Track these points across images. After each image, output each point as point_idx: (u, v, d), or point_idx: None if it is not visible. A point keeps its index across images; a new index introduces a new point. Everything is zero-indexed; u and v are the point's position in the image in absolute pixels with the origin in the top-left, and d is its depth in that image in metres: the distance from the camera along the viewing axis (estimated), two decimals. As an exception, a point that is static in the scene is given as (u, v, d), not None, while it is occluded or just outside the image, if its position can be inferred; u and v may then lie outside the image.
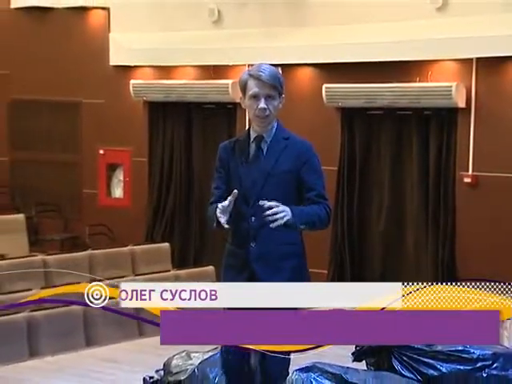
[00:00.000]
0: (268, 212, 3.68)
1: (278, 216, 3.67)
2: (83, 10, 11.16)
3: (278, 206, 3.69)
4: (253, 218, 3.94)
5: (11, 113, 11.79)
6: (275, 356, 3.77)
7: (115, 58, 10.93)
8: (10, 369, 6.21)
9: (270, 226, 3.71)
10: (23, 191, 11.55)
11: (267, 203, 3.71)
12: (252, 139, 4.05)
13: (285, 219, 3.68)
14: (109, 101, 10.99)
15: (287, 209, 3.72)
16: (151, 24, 10.56)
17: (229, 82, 10.02)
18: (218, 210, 3.79)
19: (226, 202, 3.79)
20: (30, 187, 11.59)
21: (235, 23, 10.04)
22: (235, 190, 3.83)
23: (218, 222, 3.81)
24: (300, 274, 4.04)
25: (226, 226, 3.78)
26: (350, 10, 9.15)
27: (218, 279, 8.71)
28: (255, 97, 3.93)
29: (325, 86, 9.28)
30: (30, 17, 11.51)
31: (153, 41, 10.48)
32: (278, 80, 4.00)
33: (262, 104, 3.91)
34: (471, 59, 8.54)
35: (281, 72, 9.40)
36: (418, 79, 8.85)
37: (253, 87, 3.93)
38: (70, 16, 11.23)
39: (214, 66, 10.21)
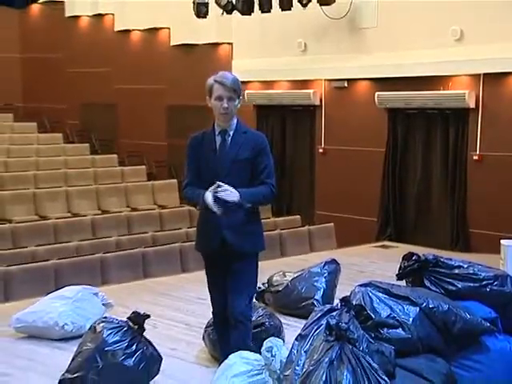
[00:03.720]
0: (222, 193, 3.28)
1: (230, 198, 3.27)
2: (216, 44, 11.21)
3: (229, 190, 3.29)
4: None
5: (168, 113, 11.97)
6: (236, 297, 3.44)
7: (235, 76, 11.00)
8: (170, 279, 6.38)
9: (227, 202, 3.25)
10: (176, 165, 11.70)
11: (224, 186, 3.29)
12: (217, 132, 3.53)
13: (234, 199, 3.28)
14: (231, 105, 11.06)
15: (237, 193, 3.30)
16: (259, 53, 10.53)
17: (310, 91, 9.93)
18: (209, 200, 3.29)
19: (211, 190, 3.31)
20: (180, 162, 11.76)
21: (315, 51, 9.91)
22: (217, 183, 3.32)
23: (205, 207, 3.33)
24: (258, 237, 3.55)
25: (219, 213, 3.30)
26: (394, 41, 8.96)
27: (303, 224, 8.83)
28: (219, 98, 3.46)
29: (377, 93, 9.14)
30: (182, 50, 11.62)
31: (260, 64, 10.50)
32: (238, 85, 3.48)
33: (225, 104, 3.44)
34: (479, 74, 8.31)
35: (346, 85, 9.60)
36: (441, 88, 8.64)
37: (217, 90, 3.45)
38: (207, 49, 11.30)
39: (301, 81, 10.16)
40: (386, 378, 2.52)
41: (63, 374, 3.70)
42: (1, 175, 9.45)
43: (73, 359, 3.75)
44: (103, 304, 4.82)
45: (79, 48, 13.15)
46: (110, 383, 3.63)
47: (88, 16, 13.10)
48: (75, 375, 3.64)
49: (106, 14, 12.76)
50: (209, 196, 3.31)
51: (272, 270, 5.60)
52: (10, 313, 4.78)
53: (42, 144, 11.68)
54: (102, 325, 3.79)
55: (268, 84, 10.60)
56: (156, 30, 12.05)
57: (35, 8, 13.64)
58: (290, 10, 9.28)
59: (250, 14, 9.63)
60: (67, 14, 13.24)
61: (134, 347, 3.68)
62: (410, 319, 3.03)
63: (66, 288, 4.91)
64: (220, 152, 3.48)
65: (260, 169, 3.46)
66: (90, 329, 3.91)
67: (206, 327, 4.31)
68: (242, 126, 3.56)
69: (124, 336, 3.70)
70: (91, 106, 13.02)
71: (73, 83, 13.22)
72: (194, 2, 9.83)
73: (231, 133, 3.50)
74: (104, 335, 3.70)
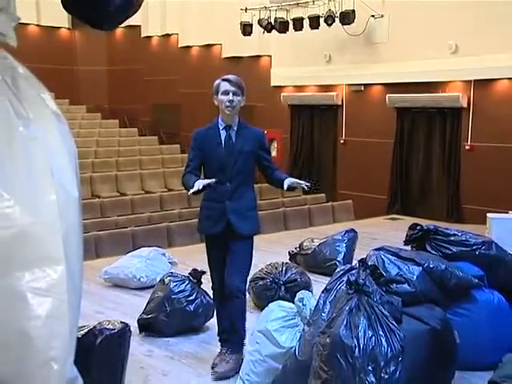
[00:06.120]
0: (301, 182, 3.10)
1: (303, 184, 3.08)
2: (258, 57, 11.09)
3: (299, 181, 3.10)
4: (228, 183, 3.11)
5: (211, 112, 11.94)
6: (234, 272, 3.10)
7: (274, 82, 10.85)
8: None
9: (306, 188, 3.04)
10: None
11: (298, 182, 3.10)
12: (222, 128, 3.17)
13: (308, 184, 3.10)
14: (268, 105, 10.86)
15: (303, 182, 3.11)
16: (292, 63, 10.39)
17: (334, 94, 9.79)
18: (197, 182, 2.94)
19: (206, 181, 2.95)
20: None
21: (338, 61, 9.76)
22: (214, 180, 2.97)
23: (194, 191, 2.92)
24: (256, 221, 3.21)
25: (191, 192, 2.94)
26: (402, 53, 8.75)
27: (327, 200, 8.77)
28: (225, 92, 3.14)
29: (387, 95, 8.98)
30: (231, 61, 11.50)
31: (293, 72, 10.40)
32: (241, 83, 3.19)
33: (231, 97, 3.12)
34: (471, 80, 8.12)
35: (363, 88, 9.46)
36: (440, 91, 8.45)
37: (224, 86, 3.15)
38: (251, 60, 11.19)
39: (326, 85, 10.01)
40: (394, 323, 2.49)
41: (140, 315, 3.78)
42: (92, 161, 9.63)
43: (147, 304, 3.83)
44: (169, 262, 4.88)
45: (152, 61, 13.25)
46: (176, 323, 3.69)
47: (158, 36, 13.22)
48: (149, 316, 3.72)
49: (172, 33, 12.82)
50: (200, 183, 2.95)
51: (303, 237, 5.60)
52: (99, 267, 4.89)
53: (122, 137, 11.84)
54: (169, 278, 3.85)
55: (300, 88, 10.49)
56: (211, 45, 12.01)
57: (118, 31, 13.81)
58: (317, 28, 9.28)
59: (286, 32, 9.69)
60: (142, 35, 13.38)
61: (193, 296, 3.73)
62: (414, 276, 2.99)
63: (141, 249, 4.99)
64: (226, 145, 3.14)
65: (267, 158, 3.24)
66: (159, 281, 3.97)
67: (250, 281, 4.31)
68: (243, 123, 3.22)
69: (186, 287, 3.75)
70: (160, 106, 13.13)
71: (146, 88, 13.35)
72: (240, 23, 9.93)
73: (235, 128, 3.16)
74: (171, 286, 3.76)
